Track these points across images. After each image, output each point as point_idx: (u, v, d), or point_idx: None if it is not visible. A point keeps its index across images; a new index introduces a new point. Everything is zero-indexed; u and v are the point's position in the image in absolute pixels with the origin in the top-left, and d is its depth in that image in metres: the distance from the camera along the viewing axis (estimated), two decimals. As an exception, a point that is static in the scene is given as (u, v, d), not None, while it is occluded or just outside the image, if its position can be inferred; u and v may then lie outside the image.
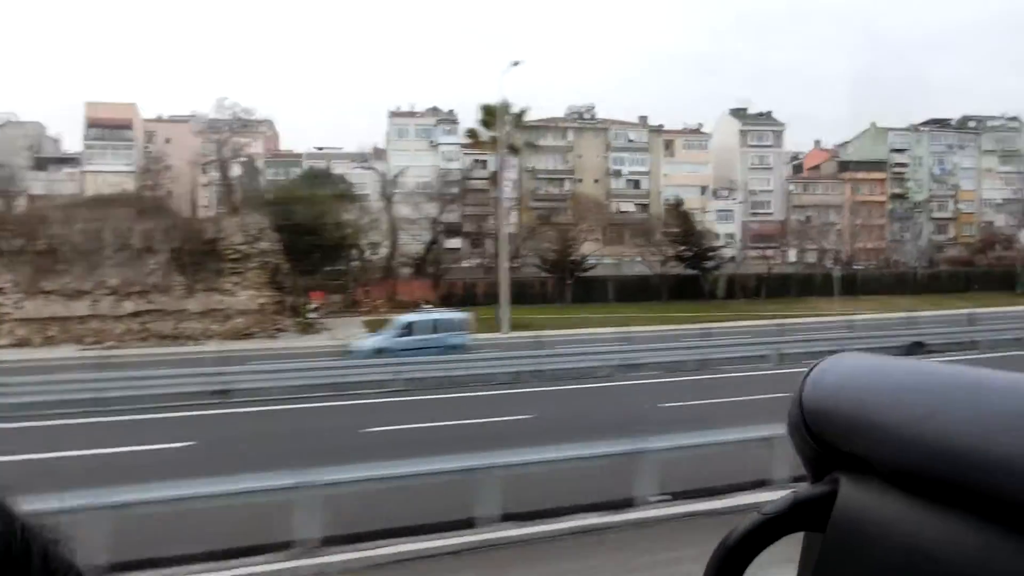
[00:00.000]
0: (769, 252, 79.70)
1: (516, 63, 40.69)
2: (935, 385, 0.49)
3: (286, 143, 79.71)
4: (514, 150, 55.96)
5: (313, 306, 42.55)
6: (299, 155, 76.22)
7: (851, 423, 0.52)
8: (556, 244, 55.24)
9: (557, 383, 22.55)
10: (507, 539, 9.28)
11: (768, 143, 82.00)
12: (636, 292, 54.94)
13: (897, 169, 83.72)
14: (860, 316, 40.72)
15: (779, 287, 58.46)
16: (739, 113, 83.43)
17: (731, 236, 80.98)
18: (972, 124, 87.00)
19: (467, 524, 9.50)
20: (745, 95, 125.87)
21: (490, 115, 52.03)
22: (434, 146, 73.88)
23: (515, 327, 36.25)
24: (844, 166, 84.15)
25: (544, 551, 9.15)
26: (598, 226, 65.76)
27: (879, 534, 0.48)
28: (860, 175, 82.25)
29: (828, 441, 0.54)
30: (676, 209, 63.45)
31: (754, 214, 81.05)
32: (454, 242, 70.21)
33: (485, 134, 55.90)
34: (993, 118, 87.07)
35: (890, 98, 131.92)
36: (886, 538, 0.47)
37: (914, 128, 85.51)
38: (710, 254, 58.51)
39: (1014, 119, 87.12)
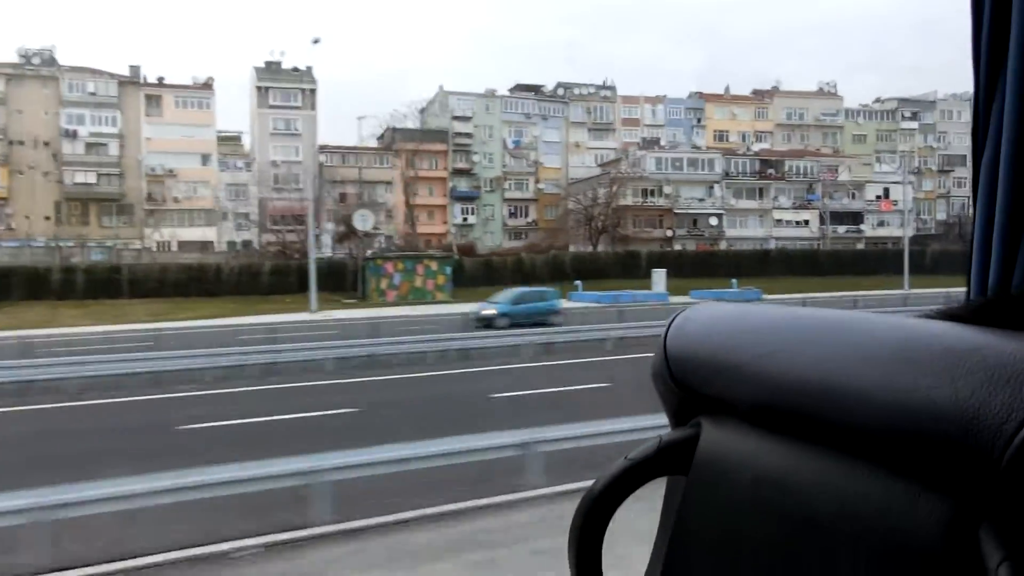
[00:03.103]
0: (291, 236, 65.66)
1: None
2: (785, 325, 0.51)
3: None
4: None
5: None
6: None
7: (710, 366, 0.53)
8: None
9: None
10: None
11: (296, 103, 67.84)
12: None
13: (461, 140, 71.36)
14: None
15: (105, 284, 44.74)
16: (271, 68, 69.02)
17: (246, 216, 66.57)
18: (561, 92, 75.91)
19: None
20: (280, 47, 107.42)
21: None
22: None
23: None
24: (401, 135, 71.08)
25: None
26: None
27: (735, 470, 0.50)
28: (411, 146, 69.28)
29: (690, 386, 0.55)
30: None
31: (278, 189, 66.68)
32: None
33: None
34: (585, 85, 76.22)
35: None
36: (740, 472, 0.49)
37: (490, 94, 73.45)
38: None
39: (608, 88, 76.63)
